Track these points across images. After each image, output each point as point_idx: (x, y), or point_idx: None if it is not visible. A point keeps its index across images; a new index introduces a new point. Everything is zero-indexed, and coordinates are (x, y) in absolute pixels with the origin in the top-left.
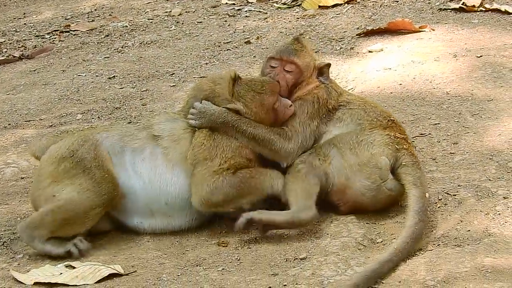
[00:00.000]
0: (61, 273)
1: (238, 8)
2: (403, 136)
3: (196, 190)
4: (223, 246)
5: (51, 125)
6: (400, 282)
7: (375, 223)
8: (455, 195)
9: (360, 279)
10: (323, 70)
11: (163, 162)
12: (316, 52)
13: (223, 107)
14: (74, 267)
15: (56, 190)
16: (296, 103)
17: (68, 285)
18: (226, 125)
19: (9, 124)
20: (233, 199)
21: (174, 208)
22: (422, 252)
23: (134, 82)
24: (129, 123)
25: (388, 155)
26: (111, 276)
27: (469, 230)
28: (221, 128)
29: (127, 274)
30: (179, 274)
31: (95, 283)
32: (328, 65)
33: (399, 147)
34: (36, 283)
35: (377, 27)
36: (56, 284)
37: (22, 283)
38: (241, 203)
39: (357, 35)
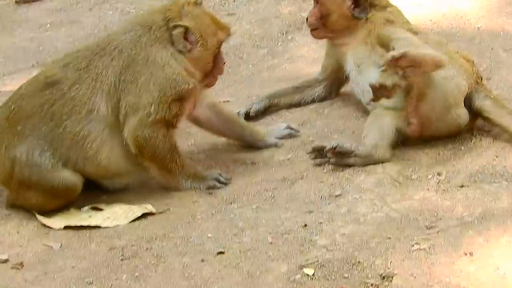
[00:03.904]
0: (90, 216)
1: None
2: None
3: None
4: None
5: None
6: (437, 218)
7: (409, 160)
8: (489, 130)
9: None
10: (360, 1)
11: None
12: None
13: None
14: (101, 209)
15: None
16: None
17: (100, 227)
18: None
19: (37, 63)
20: None
21: None
22: (459, 188)
23: None
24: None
25: (469, 84)
26: (144, 216)
27: (505, 166)
28: None
29: (160, 213)
30: (213, 212)
31: (128, 223)
32: None
33: (479, 82)
34: (66, 227)
35: None
36: (88, 226)
37: (50, 227)
38: None
39: None
